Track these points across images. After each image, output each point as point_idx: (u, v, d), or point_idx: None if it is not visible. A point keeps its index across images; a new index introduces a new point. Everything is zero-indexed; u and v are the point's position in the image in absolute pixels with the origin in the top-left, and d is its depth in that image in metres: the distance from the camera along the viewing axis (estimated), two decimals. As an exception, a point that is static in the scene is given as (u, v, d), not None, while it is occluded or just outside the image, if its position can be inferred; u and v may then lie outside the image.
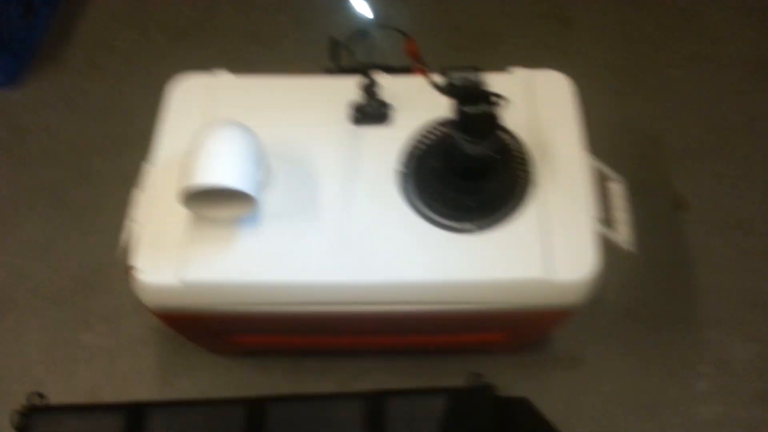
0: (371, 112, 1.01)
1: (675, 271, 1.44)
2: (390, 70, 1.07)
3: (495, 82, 1.03)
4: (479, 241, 0.92)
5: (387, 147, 0.99)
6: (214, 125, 0.86)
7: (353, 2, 0.97)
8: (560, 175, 0.98)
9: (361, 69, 1.02)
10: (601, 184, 1.17)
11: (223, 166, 0.81)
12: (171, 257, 0.90)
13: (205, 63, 1.11)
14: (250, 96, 1.03)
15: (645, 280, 1.43)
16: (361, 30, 1.13)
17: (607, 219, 1.13)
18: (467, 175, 0.92)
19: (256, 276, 0.90)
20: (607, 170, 1.15)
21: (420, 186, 0.95)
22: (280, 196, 0.94)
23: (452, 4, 1.84)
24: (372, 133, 1.00)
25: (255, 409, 1.24)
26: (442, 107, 0.92)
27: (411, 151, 0.98)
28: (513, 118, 1.01)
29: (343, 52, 1.09)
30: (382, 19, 1.11)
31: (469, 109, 0.85)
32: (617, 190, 1.16)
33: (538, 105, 1.03)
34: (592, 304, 1.35)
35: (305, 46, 1.69)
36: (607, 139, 1.18)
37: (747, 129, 1.62)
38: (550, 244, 0.92)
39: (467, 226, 0.93)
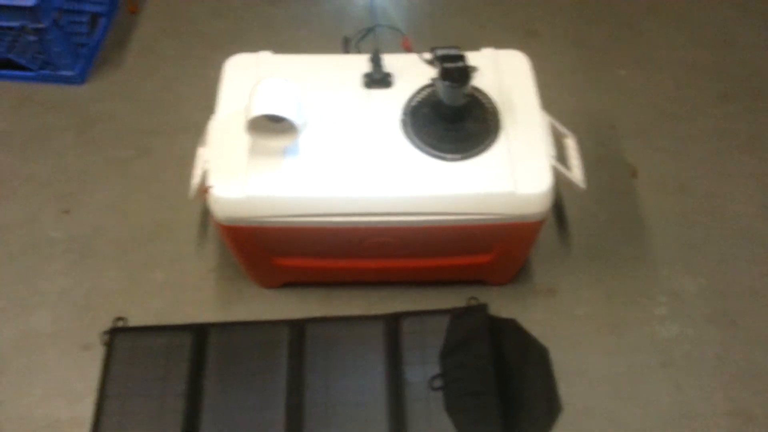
0: (378, 78, 1.36)
1: (631, 224, 1.76)
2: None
3: (470, 57, 1.39)
4: (463, 166, 1.25)
5: (391, 103, 1.33)
6: (271, 78, 1.20)
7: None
8: (521, 123, 1.32)
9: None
10: (558, 140, 1.51)
11: (278, 101, 1.15)
12: (236, 178, 1.24)
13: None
14: (287, 68, 1.39)
15: (607, 230, 1.76)
16: (367, 29, 1.50)
17: (565, 165, 1.47)
18: (451, 118, 1.26)
19: (297, 191, 1.23)
20: (562, 127, 1.49)
21: (416, 128, 1.29)
22: (314, 135, 1.29)
23: (439, 19, 2.22)
24: (379, 94, 1.35)
25: (296, 327, 1.56)
26: (429, 76, 1.27)
27: (409, 104, 1.32)
28: (484, 82, 1.36)
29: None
30: (386, 20, 1.48)
31: (449, 65, 1.19)
32: (570, 143, 1.50)
33: (503, 74, 1.38)
34: (563, 247, 1.68)
35: (321, 51, 2.06)
36: (572, 125, 1.51)
37: (684, 114, 1.98)
38: (515, 168, 1.25)
39: (453, 156, 1.26)
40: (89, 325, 1.59)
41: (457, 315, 1.53)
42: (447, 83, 1.19)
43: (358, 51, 1.47)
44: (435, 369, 1.49)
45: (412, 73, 1.36)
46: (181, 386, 1.49)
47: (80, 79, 2.02)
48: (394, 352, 1.52)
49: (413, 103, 1.32)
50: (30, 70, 1.98)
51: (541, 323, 1.59)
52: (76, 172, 1.85)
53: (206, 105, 1.38)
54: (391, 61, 1.39)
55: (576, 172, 1.44)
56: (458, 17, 2.21)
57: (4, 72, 2.00)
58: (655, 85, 2.04)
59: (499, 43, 2.13)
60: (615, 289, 1.66)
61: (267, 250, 1.43)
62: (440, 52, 1.37)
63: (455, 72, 1.19)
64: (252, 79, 1.36)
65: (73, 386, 1.52)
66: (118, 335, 1.58)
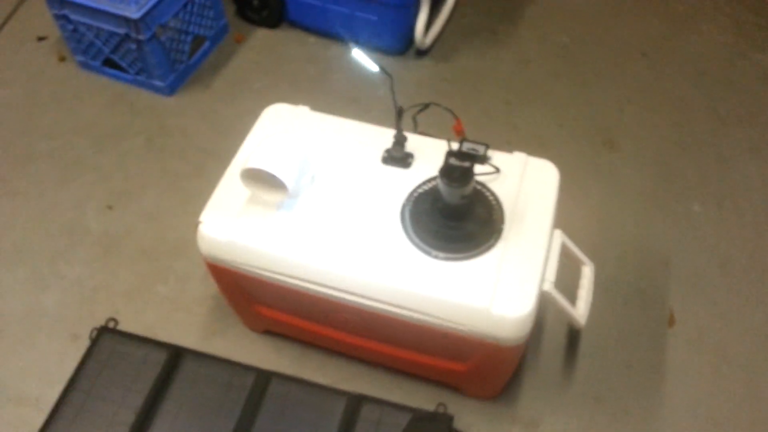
0: (397, 157, 1.34)
1: (649, 377, 1.57)
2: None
3: (498, 157, 1.34)
4: (446, 267, 1.19)
5: (400, 186, 1.30)
6: (280, 134, 1.23)
7: (355, 55, 1.30)
8: (525, 238, 1.23)
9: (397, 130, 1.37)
10: (576, 266, 1.40)
11: (275, 159, 1.17)
12: (226, 221, 1.27)
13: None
14: (318, 126, 1.41)
15: (619, 374, 1.57)
16: (424, 104, 1.50)
17: (573, 295, 1.36)
18: (448, 215, 1.21)
19: (277, 249, 1.23)
20: (580, 253, 1.38)
21: (413, 217, 1.25)
22: (315, 199, 1.28)
23: (517, 108, 2.16)
24: (393, 173, 1.33)
25: (262, 378, 1.55)
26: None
27: (414, 191, 1.29)
28: (501, 186, 1.29)
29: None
30: (439, 101, 1.46)
31: (454, 162, 1.15)
32: (587, 272, 1.39)
33: (526, 183, 1.31)
34: (563, 379, 1.54)
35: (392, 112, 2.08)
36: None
37: (752, 270, 1.75)
38: (498, 284, 1.17)
39: (438, 254, 1.20)
40: (86, 317, 1.68)
41: (418, 418, 1.44)
42: (445, 181, 1.15)
43: (415, 124, 1.48)
44: (381, 465, 1.40)
45: (436, 158, 1.33)
46: (138, 401, 1.51)
47: (169, 91, 2.18)
48: (347, 434, 1.45)
49: (418, 191, 1.29)
50: (128, 72, 2.18)
51: (512, 454, 1.45)
52: (134, 174, 1.99)
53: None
54: (420, 143, 1.37)
55: (580, 306, 1.33)
56: (538, 110, 2.15)
57: (107, 69, 2.22)
58: (730, 230, 1.84)
59: (572, 147, 2.06)
60: (607, 443, 1.48)
61: (246, 295, 1.44)
62: (466, 147, 1.33)
63: (456, 171, 1.15)
64: (281, 130, 1.40)
65: (50, 369, 1.60)
66: (104, 335, 1.64)
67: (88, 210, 1.91)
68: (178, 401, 1.53)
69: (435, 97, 2.17)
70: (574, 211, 1.84)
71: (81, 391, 1.55)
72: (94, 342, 1.63)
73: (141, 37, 1.97)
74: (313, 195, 1.30)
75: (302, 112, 1.45)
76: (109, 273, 1.78)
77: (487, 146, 1.34)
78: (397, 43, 2.25)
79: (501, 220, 1.25)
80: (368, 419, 1.48)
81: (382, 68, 1.31)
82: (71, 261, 1.80)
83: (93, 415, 1.51)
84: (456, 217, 1.22)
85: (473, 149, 1.34)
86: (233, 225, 1.26)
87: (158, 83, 2.16)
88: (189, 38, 2.18)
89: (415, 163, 1.35)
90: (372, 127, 1.43)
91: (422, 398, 1.51)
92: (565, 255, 1.34)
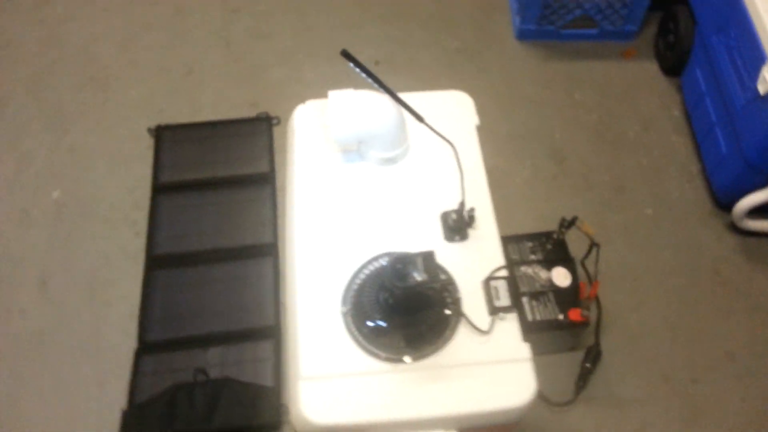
0: (448, 224, 1.16)
1: None
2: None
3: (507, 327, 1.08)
4: (335, 324, 1.07)
5: (412, 244, 1.13)
6: (382, 96, 1.14)
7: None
8: (416, 394, 1.02)
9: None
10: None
11: (346, 107, 1.12)
12: (309, 120, 1.28)
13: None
14: (463, 136, 1.23)
15: None
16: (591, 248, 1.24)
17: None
18: (387, 302, 1.05)
19: (302, 180, 1.22)
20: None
21: (361, 286, 1.10)
22: (366, 175, 1.21)
23: (732, 368, 1.59)
24: (431, 230, 1.16)
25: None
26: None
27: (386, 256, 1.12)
28: (470, 342, 1.05)
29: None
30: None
31: (418, 264, 0.96)
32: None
33: (492, 365, 1.04)
34: None
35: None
36: None
37: None
38: (334, 382, 1.02)
39: (348, 313, 1.07)
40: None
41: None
42: (388, 262, 0.98)
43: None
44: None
45: (482, 261, 1.12)
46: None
47: (519, 34, 2.14)
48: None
49: (380, 259, 1.11)
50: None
51: None
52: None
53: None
54: (490, 234, 1.16)
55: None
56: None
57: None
58: None
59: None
60: None
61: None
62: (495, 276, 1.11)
63: (406, 268, 0.97)
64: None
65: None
66: (165, 131, 1.96)
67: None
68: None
69: (694, 279, 1.72)
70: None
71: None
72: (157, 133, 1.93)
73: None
74: (372, 172, 1.22)
75: (471, 120, 1.31)
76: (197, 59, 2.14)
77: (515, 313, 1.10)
78: (722, 192, 1.76)
79: (417, 358, 1.05)
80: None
81: (440, 135, 1.13)
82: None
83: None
84: (387, 308, 1.06)
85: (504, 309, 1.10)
86: (308, 125, 1.27)
87: (517, 18, 2.11)
88: (576, 11, 2.03)
89: (469, 237, 1.15)
90: (486, 196, 1.22)
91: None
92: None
